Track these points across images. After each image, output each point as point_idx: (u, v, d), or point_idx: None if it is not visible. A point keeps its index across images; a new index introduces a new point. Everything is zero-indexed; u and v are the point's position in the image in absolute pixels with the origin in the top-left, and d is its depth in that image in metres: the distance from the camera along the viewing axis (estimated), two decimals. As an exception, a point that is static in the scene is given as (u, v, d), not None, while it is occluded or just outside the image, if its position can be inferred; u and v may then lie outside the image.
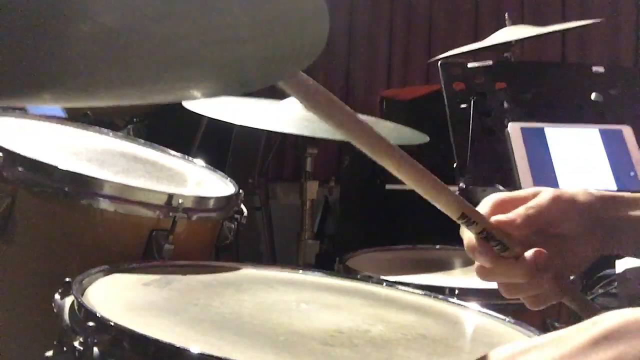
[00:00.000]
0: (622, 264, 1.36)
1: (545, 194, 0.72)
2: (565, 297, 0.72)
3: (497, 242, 0.68)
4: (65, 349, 0.62)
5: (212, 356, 0.54)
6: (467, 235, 0.71)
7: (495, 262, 0.68)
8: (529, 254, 0.68)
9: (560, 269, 0.69)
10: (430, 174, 0.66)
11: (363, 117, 1.81)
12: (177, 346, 0.54)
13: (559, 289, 0.70)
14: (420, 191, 0.66)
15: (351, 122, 0.63)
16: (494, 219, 0.70)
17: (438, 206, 0.66)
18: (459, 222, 0.68)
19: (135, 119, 2.21)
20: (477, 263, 0.71)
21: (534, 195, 0.72)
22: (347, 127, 0.63)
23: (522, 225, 0.70)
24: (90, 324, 0.57)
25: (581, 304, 0.73)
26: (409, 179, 0.65)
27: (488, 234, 0.67)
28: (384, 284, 1.00)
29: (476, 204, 0.75)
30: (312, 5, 0.52)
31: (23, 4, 0.48)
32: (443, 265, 1.46)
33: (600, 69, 1.71)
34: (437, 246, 1.54)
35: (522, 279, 0.68)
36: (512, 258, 0.68)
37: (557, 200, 0.71)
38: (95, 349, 0.56)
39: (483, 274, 0.70)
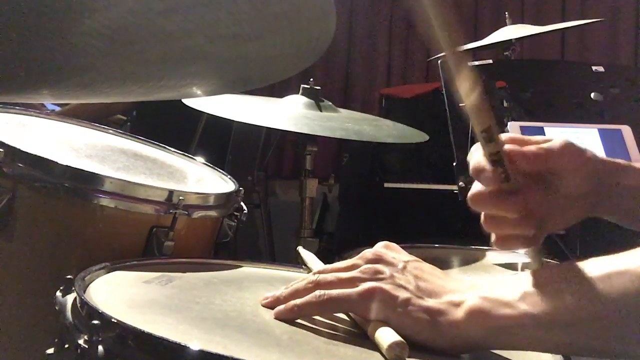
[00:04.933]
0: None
1: (558, 140, 0.72)
2: (533, 248, 0.73)
3: (503, 169, 0.68)
4: (66, 346, 0.62)
5: (218, 355, 0.53)
6: (477, 157, 0.70)
7: (494, 189, 0.69)
8: (525, 193, 0.68)
9: (545, 222, 0.71)
10: (476, 76, 0.64)
11: (362, 116, 1.80)
12: (183, 344, 0.53)
13: (535, 239, 0.71)
14: (464, 96, 0.64)
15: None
16: (507, 147, 0.70)
17: (471, 116, 0.66)
18: (480, 135, 0.68)
19: (129, 122, 2.22)
20: (473, 189, 0.71)
21: (545, 141, 0.73)
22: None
23: (532, 161, 0.70)
24: (95, 322, 0.57)
25: (537, 260, 0.74)
26: (464, 87, 0.64)
27: (499, 158, 0.67)
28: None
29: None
30: (320, 2, 0.51)
31: (28, -1, 0.48)
32: (441, 264, 1.45)
33: (600, 69, 1.71)
34: (436, 245, 1.54)
35: (510, 214, 0.69)
36: (508, 192, 0.68)
37: (567, 149, 0.71)
38: (100, 347, 0.55)
39: (477, 200, 0.70)
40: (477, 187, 0.71)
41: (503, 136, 0.71)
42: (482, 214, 0.72)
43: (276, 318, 0.70)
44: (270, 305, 0.73)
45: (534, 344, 0.63)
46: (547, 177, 0.71)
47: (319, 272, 0.73)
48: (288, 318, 0.70)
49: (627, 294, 0.58)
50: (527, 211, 0.68)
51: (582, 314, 0.60)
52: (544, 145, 0.71)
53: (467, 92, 0.64)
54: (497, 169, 0.67)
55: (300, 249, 1.07)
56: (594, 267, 0.61)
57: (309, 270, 0.95)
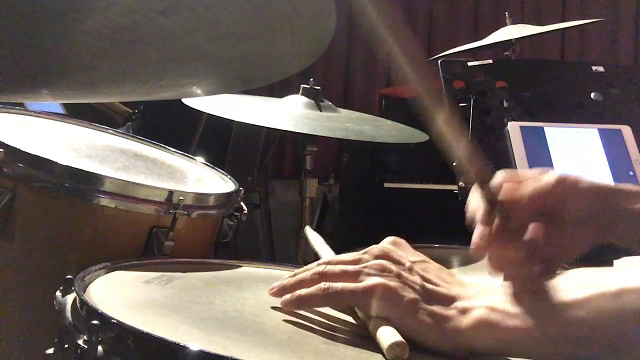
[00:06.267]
0: (620, 264, 1.36)
1: (551, 175, 0.73)
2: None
3: (502, 211, 0.68)
4: (66, 346, 0.61)
5: (218, 355, 0.53)
6: (474, 201, 0.72)
7: (495, 232, 0.69)
8: (528, 230, 0.68)
9: (554, 254, 0.70)
10: (460, 126, 0.66)
11: (362, 116, 1.80)
12: (183, 345, 0.53)
13: (545, 273, 0.69)
14: (447, 138, 0.66)
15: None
16: (504, 189, 0.71)
17: (460, 158, 0.67)
18: (475, 178, 0.69)
19: (134, 116, 2.21)
20: (475, 234, 0.71)
21: (540, 176, 0.73)
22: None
23: (529, 200, 0.71)
24: (94, 322, 0.57)
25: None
26: (440, 122, 0.65)
27: (496, 201, 0.68)
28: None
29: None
30: (320, 2, 0.51)
31: (28, -1, 0.48)
32: (441, 264, 1.44)
33: (600, 69, 1.71)
34: (436, 245, 1.54)
35: (515, 253, 0.69)
36: (510, 231, 0.69)
37: (561, 183, 0.72)
38: (100, 347, 0.55)
39: (479, 243, 0.70)
40: (479, 228, 0.71)
41: (496, 179, 0.73)
42: (487, 258, 0.71)
43: (282, 307, 0.70)
44: (277, 294, 0.73)
45: (541, 355, 0.62)
46: (548, 211, 0.71)
47: (325, 263, 0.73)
48: (292, 308, 0.70)
49: (638, 313, 0.57)
50: (531, 249, 0.68)
51: (591, 330, 0.59)
52: (540, 184, 0.72)
53: (457, 144, 0.66)
54: (497, 208, 0.68)
55: (308, 229, 1.05)
56: (605, 280, 0.60)
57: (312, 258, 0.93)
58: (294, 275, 0.73)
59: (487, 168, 0.69)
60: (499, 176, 0.73)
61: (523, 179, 0.73)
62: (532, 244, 0.68)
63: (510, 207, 0.69)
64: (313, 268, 0.72)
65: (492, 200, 0.69)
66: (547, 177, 0.73)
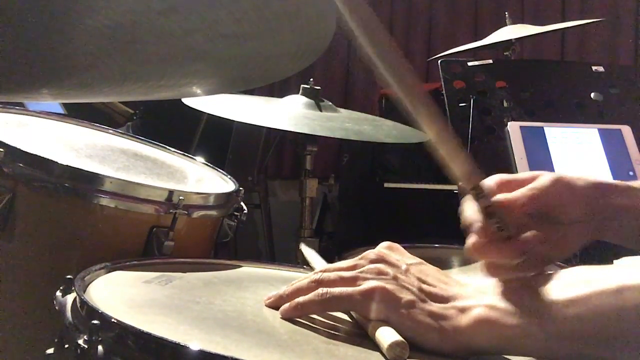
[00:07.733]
0: (620, 263, 1.36)
1: (546, 176, 0.73)
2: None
3: (497, 220, 0.68)
4: (66, 346, 0.62)
5: (218, 355, 0.53)
6: (469, 209, 0.71)
7: (490, 240, 0.69)
8: (523, 236, 0.68)
9: (548, 256, 0.70)
10: (455, 137, 0.65)
11: (362, 116, 1.80)
12: (183, 344, 0.53)
13: (539, 273, 0.69)
14: (442, 151, 0.65)
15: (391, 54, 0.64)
16: (499, 196, 0.70)
17: (455, 171, 0.66)
18: (470, 192, 0.68)
19: (135, 116, 2.22)
20: (470, 239, 0.70)
21: (534, 178, 0.73)
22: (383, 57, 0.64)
23: (524, 205, 0.70)
24: (95, 322, 0.57)
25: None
26: (434, 134, 0.64)
27: (492, 210, 0.68)
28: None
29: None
30: (320, 2, 0.51)
31: (28, -2, 0.48)
32: (441, 264, 1.44)
33: (600, 69, 1.71)
34: (436, 245, 1.54)
35: (510, 259, 0.68)
36: (505, 238, 0.68)
37: (556, 184, 0.72)
38: (100, 347, 0.55)
39: (475, 250, 0.70)
40: (473, 237, 0.70)
41: (490, 180, 0.73)
42: (482, 264, 0.71)
43: (282, 317, 0.70)
44: (273, 304, 0.73)
45: (541, 353, 0.62)
46: (542, 214, 0.71)
47: (322, 271, 0.73)
48: (292, 316, 0.70)
49: (639, 310, 0.57)
50: (526, 254, 0.68)
51: (592, 327, 0.59)
52: (535, 186, 0.71)
53: (452, 157, 0.65)
54: (491, 220, 0.68)
55: (303, 246, 1.06)
56: (605, 278, 0.60)
57: (311, 269, 0.94)
58: (291, 285, 0.73)
59: (483, 182, 0.68)
60: (492, 181, 0.73)
61: (516, 182, 0.73)
62: (526, 251, 0.68)
63: (505, 213, 0.69)
64: (309, 277, 0.73)
65: (488, 212, 0.68)
66: (542, 179, 0.72)
